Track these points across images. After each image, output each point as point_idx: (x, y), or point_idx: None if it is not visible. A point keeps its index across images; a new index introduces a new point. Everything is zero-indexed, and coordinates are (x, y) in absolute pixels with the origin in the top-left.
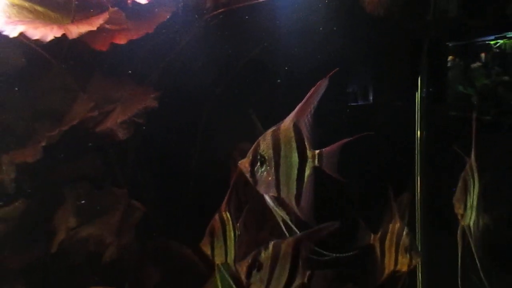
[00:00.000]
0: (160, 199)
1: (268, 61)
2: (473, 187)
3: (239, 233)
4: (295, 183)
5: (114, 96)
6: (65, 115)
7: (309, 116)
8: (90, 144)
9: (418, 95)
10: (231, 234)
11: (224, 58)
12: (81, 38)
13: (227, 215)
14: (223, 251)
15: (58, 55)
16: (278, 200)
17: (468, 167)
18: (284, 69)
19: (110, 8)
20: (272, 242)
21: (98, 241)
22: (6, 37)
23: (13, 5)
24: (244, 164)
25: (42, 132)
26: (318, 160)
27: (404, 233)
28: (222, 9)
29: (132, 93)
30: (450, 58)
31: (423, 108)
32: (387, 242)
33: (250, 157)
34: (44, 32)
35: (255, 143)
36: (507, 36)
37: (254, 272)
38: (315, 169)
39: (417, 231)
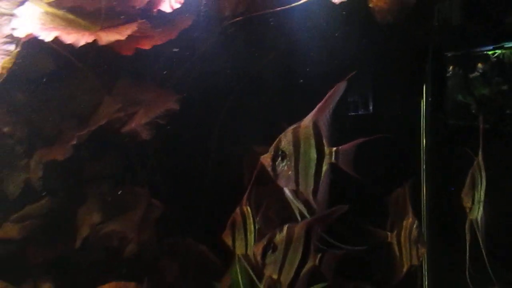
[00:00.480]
0: (177, 198)
1: (282, 65)
2: (480, 183)
3: (258, 226)
4: (312, 177)
5: (138, 99)
6: (91, 116)
7: (327, 115)
8: (113, 144)
9: (423, 102)
10: (251, 227)
11: (240, 63)
12: (109, 44)
13: (247, 209)
14: (244, 242)
15: (85, 60)
16: (296, 193)
17: (476, 164)
18: (296, 73)
19: (139, 20)
20: (286, 225)
21: (121, 237)
22: (36, 43)
23: (47, 13)
24: (266, 158)
25: (70, 132)
26: (334, 157)
27: (414, 226)
28: (240, 17)
29: (154, 96)
30: (450, 67)
31: (427, 115)
32: (402, 239)
33: (272, 152)
34: (77, 38)
35: (277, 139)
36: (505, 46)
37: (269, 253)
38: (331, 165)
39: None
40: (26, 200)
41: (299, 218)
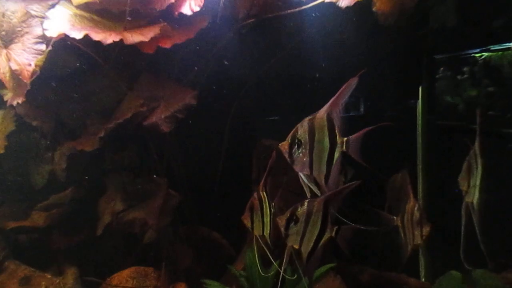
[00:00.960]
0: (192, 189)
1: (289, 66)
2: (476, 169)
3: (274, 210)
4: (325, 164)
5: (159, 94)
6: (113, 111)
7: (340, 108)
8: (134, 137)
9: (419, 103)
10: (267, 210)
11: (253, 61)
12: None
13: (264, 194)
14: (261, 224)
15: (108, 59)
16: (310, 177)
17: (472, 152)
18: (302, 71)
19: (160, 22)
20: (307, 200)
21: (142, 224)
22: (63, 43)
23: (76, 15)
24: (284, 146)
25: (94, 126)
26: (346, 146)
27: (415, 208)
28: (253, 19)
29: (173, 92)
30: (440, 69)
31: (423, 115)
32: (406, 222)
33: (289, 140)
34: (104, 36)
35: (294, 128)
36: (491, 49)
37: (292, 225)
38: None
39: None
40: (51, 190)
41: None
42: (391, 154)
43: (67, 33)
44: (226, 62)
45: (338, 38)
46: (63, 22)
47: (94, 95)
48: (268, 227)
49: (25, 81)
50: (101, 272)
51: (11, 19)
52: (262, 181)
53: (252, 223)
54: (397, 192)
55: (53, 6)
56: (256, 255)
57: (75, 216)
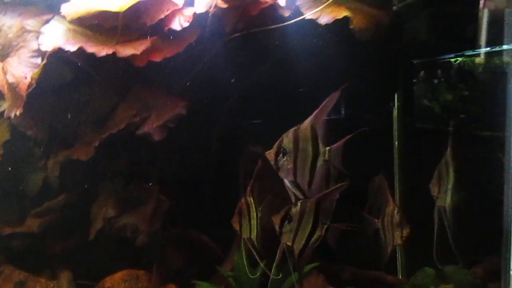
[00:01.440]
0: (182, 195)
1: (273, 77)
2: (447, 175)
3: (260, 215)
4: (308, 171)
5: (150, 104)
6: (105, 121)
7: (323, 119)
8: (125, 145)
9: (395, 108)
10: (254, 214)
11: (239, 71)
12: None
13: (251, 199)
14: (249, 228)
15: (100, 71)
16: (295, 183)
17: (444, 158)
18: (286, 84)
19: (151, 36)
20: (300, 200)
21: (133, 229)
22: (57, 57)
23: (70, 29)
24: (270, 154)
25: (88, 135)
26: (328, 155)
27: (395, 212)
28: (239, 33)
29: (164, 102)
30: (417, 75)
31: (399, 120)
32: (386, 224)
33: (275, 149)
34: (98, 49)
35: (280, 138)
36: (466, 54)
37: (286, 223)
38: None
39: None
40: (45, 196)
41: None
42: (371, 157)
43: (63, 46)
44: (214, 73)
45: (318, 50)
46: (58, 37)
47: (87, 105)
48: (255, 230)
49: (22, 93)
50: (94, 275)
51: (7, 34)
52: (249, 187)
53: (240, 226)
54: (375, 194)
55: (47, 21)
56: (244, 256)
57: (68, 221)
